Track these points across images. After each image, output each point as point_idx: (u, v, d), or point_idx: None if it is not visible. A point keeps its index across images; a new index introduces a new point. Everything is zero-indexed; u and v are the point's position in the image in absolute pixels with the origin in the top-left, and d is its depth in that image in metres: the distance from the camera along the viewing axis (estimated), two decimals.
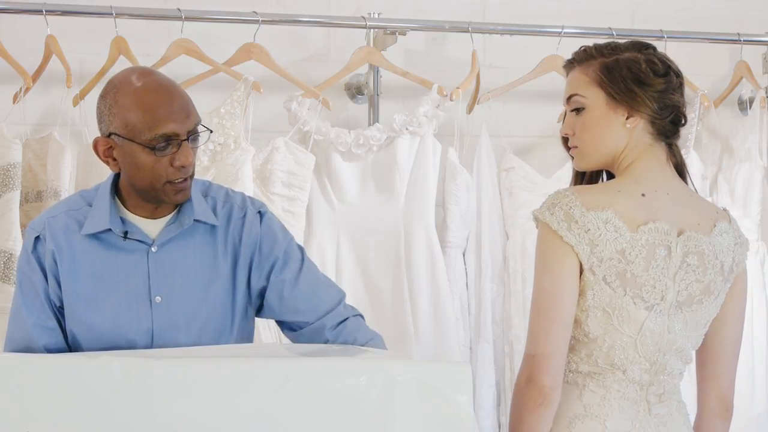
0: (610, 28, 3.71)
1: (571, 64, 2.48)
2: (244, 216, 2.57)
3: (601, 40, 2.51)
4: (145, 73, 2.47)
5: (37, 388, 2.24)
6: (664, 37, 3.70)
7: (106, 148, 2.46)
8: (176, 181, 2.44)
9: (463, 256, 3.64)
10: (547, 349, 2.34)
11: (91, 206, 2.51)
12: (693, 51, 3.83)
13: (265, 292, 2.58)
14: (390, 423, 2.26)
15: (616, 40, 2.50)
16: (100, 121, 2.48)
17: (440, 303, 3.53)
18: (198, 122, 2.47)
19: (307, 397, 2.25)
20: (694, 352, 2.50)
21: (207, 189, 2.60)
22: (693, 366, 2.55)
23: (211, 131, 2.55)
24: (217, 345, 2.51)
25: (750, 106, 3.97)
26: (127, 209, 2.52)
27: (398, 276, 3.53)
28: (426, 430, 2.27)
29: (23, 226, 3.31)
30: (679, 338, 2.42)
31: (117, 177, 2.53)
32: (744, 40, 3.87)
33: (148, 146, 2.41)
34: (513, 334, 3.58)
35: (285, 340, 3.20)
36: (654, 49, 2.47)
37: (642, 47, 2.46)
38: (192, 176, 2.49)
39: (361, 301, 3.53)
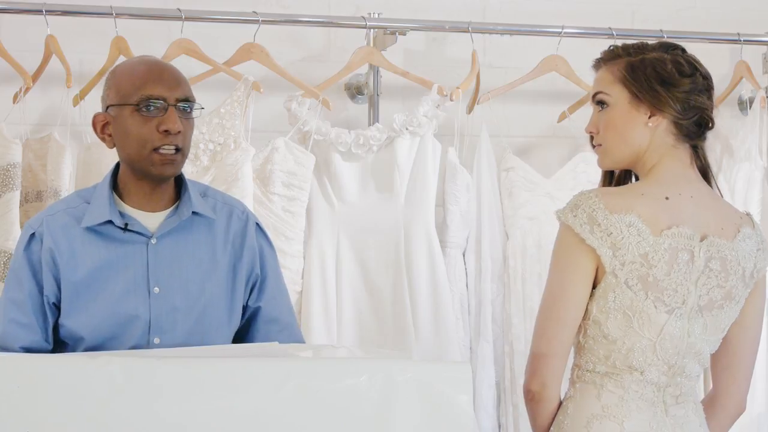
0: (610, 28, 3.70)
1: (598, 63, 2.48)
2: (246, 221, 2.63)
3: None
4: (145, 56, 2.63)
5: (37, 388, 2.24)
6: (664, 37, 3.68)
7: (103, 124, 2.54)
8: (163, 150, 2.48)
9: (463, 256, 3.64)
10: (542, 349, 2.37)
11: (89, 203, 2.55)
12: (693, 51, 3.79)
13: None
14: (390, 423, 2.26)
15: (644, 41, 2.49)
16: (102, 102, 2.57)
17: (440, 303, 3.52)
18: (190, 97, 2.52)
19: (307, 397, 2.25)
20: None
21: (205, 190, 2.65)
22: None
23: (203, 108, 2.61)
24: (217, 345, 2.52)
25: (750, 106, 3.97)
26: (126, 203, 2.55)
27: (398, 276, 3.53)
28: (426, 430, 2.27)
29: (23, 226, 3.31)
30: (698, 342, 2.41)
31: (115, 173, 2.57)
32: (744, 40, 3.87)
33: (136, 106, 2.47)
34: (513, 334, 3.58)
35: None
36: (682, 50, 2.47)
37: (669, 47, 2.45)
38: (183, 154, 2.51)
39: (361, 300, 3.53)
